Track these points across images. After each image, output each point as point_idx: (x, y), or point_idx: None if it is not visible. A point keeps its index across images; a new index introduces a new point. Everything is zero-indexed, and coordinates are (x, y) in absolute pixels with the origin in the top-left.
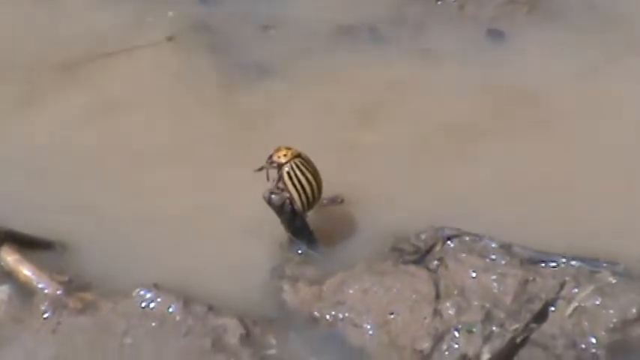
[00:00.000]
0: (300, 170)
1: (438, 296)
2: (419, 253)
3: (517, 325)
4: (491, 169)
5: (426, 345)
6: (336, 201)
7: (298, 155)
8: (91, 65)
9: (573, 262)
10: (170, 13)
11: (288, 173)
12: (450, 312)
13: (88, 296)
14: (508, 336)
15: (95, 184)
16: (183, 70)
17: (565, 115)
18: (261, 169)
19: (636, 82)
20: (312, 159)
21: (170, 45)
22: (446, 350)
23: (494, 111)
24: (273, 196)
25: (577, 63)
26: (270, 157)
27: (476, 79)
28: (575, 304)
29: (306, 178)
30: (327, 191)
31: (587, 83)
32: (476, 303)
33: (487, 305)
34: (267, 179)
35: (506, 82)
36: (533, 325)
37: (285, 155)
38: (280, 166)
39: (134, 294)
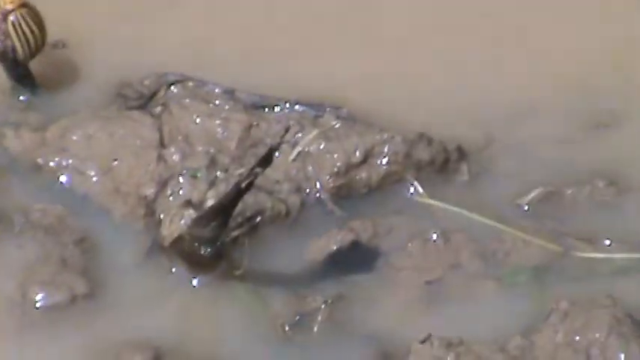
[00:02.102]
0: (25, 21)
1: (162, 142)
2: (143, 99)
3: (242, 170)
4: (219, 13)
5: (150, 191)
6: (59, 46)
7: (24, 4)
8: None
9: (297, 107)
10: None
11: (13, 22)
12: (175, 158)
13: None
14: (233, 181)
15: None
16: None
17: None
18: None
19: None
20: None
21: None
22: (170, 196)
23: None
24: None
25: None
26: None
27: None
28: (299, 148)
29: (30, 29)
30: (50, 36)
31: None
32: (200, 148)
33: (211, 150)
34: None
35: None
36: (258, 170)
37: (11, 2)
38: (5, 15)
39: None
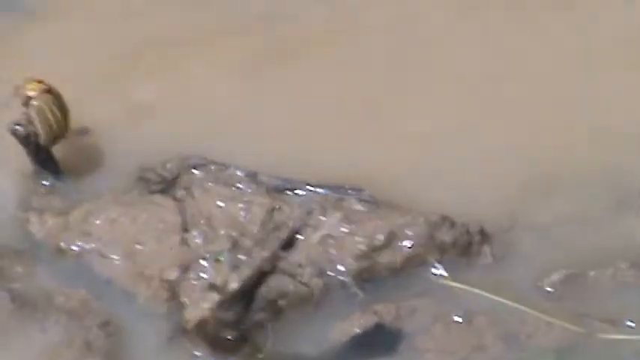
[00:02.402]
0: (49, 106)
1: (184, 225)
2: (165, 183)
3: (265, 254)
4: (241, 98)
5: (173, 274)
6: (82, 132)
7: (48, 90)
8: None
9: (320, 190)
10: None
11: (36, 107)
12: (197, 241)
13: None
14: (256, 264)
15: None
16: None
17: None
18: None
19: None
20: (61, 91)
21: None
22: (194, 279)
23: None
24: (17, 127)
25: None
26: (19, 89)
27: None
28: (322, 231)
29: (54, 114)
30: (73, 123)
31: None
32: (223, 232)
33: (234, 234)
34: (7, 105)
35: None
36: (281, 254)
37: (34, 89)
38: (29, 100)
39: None
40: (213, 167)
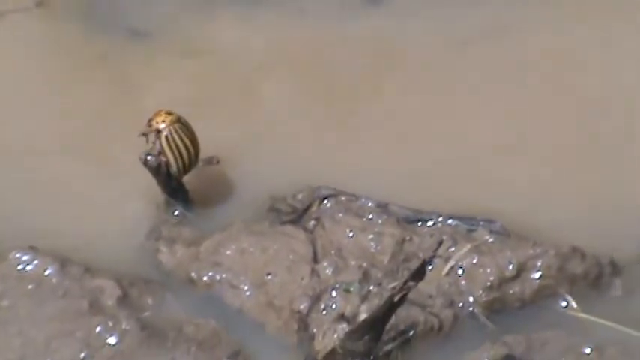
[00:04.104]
0: (179, 135)
1: (315, 256)
2: (296, 214)
3: (394, 284)
4: (371, 129)
5: (303, 305)
6: (212, 162)
7: (178, 120)
8: None
9: (450, 221)
10: None
11: (167, 138)
12: (328, 272)
13: None
14: (386, 295)
15: None
16: (54, 36)
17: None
18: (143, 134)
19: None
20: (189, 121)
21: (39, 11)
22: (324, 310)
23: (375, 71)
24: (149, 158)
25: (454, 29)
26: (150, 121)
27: (356, 40)
28: (452, 262)
29: (184, 144)
30: (203, 152)
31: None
32: (353, 262)
33: (364, 264)
34: (147, 142)
35: (386, 44)
36: (411, 284)
37: (164, 121)
38: (159, 131)
39: (10, 257)
40: (343, 198)
